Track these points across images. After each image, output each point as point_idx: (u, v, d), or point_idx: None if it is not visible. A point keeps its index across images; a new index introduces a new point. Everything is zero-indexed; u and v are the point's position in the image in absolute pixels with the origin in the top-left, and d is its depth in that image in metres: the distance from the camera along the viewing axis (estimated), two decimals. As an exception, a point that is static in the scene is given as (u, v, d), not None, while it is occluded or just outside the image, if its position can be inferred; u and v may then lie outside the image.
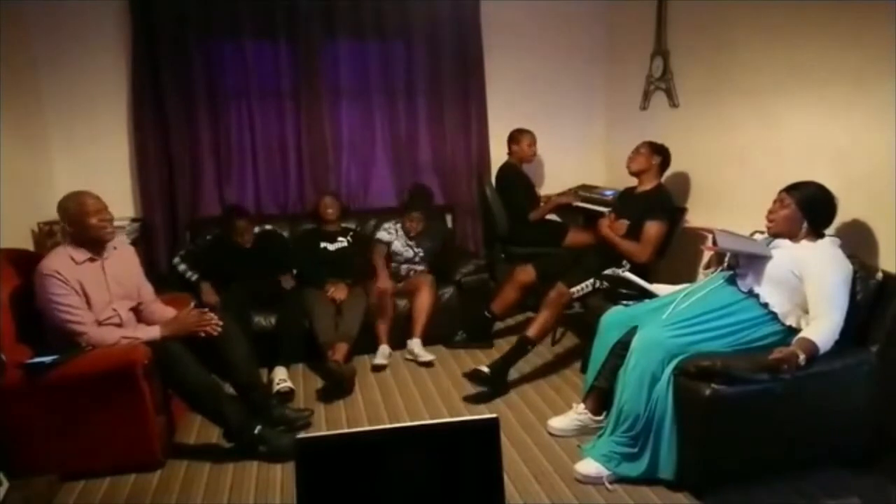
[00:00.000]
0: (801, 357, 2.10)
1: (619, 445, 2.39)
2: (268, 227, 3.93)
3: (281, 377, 3.20)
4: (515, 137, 4.26)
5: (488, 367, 3.13)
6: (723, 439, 2.24)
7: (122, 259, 2.72)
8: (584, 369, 3.12)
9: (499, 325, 3.90)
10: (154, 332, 2.58)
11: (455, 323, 3.79)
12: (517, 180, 4.25)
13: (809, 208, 2.44)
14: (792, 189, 2.48)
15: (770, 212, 2.53)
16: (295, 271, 3.74)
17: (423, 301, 3.69)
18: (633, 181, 3.55)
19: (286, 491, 2.41)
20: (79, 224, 2.52)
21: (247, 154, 4.12)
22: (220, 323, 2.69)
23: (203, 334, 2.64)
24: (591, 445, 2.53)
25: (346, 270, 3.73)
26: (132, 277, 2.76)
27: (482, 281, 3.91)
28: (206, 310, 2.74)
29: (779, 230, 2.50)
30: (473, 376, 3.10)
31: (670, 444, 2.28)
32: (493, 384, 3.11)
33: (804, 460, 2.39)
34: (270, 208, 4.18)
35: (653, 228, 3.31)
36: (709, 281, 2.64)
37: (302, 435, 1.51)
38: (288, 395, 3.13)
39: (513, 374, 3.25)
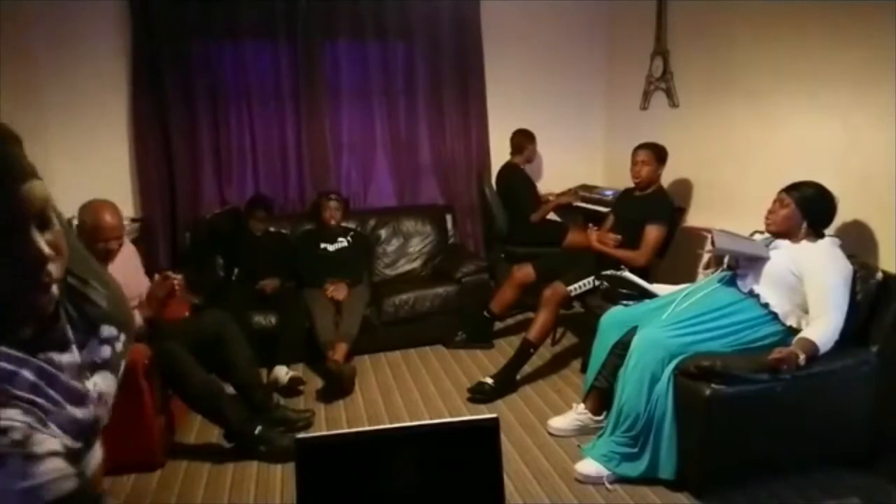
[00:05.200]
0: (801, 357, 2.11)
1: (619, 445, 2.39)
2: (283, 230, 3.94)
3: (284, 372, 3.21)
4: (530, 138, 4.26)
5: (492, 378, 3.13)
6: (723, 439, 2.24)
7: (125, 260, 2.71)
8: (584, 369, 3.12)
9: (498, 325, 3.90)
10: (136, 319, 2.56)
11: (455, 323, 3.79)
12: (522, 181, 4.25)
13: (809, 208, 2.44)
14: (791, 189, 2.48)
15: (770, 212, 2.53)
16: (279, 281, 3.68)
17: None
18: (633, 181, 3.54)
19: (286, 491, 2.41)
20: (87, 238, 2.47)
21: (247, 154, 4.12)
22: (177, 277, 2.62)
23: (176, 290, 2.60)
24: (591, 445, 2.53)
25: (346, 270, 3.73)
26: (134, 277, 2.75)
27: (482, 281, 3.91)
28: (169, 273, 2.65)
29: (778, 230, 2.50)
30: (477, 390, 3.09)
31: (670, 444, 2.28)
32: (498, 395, 3.11)
33: (804, 460, 2.40)
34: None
35: (653, 232, 3.30)
36: (709, 281, 2.64)
37: (302, 435, 1.51)
38: (298, 381, 3.18)
39: (513, 374, 3.24)
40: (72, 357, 0.76)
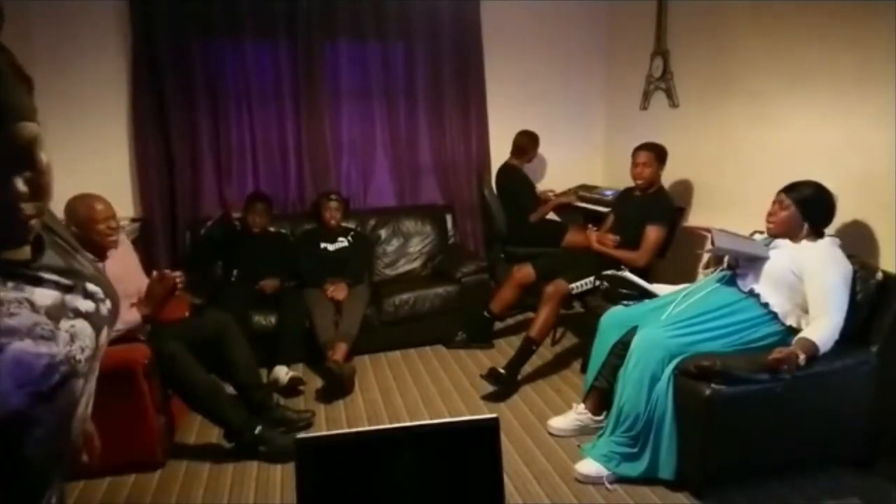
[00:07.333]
0: (801, 357, 2.11)
1: (619, 445, 2.39)
2: (283, 230, 3.94)
3: (284, 372, 3.21)
4: (534, 140, 4.26)
5: (504, 368, 3.14)
6: (723, 439, 2.24)
7: (121, 257, 2.71)
8: (584, 369, 3.12)
9: (498, 325, 3.90)
10: (134, 316, 2.55)
11: (455, 323, 3.79)
12: (521, 182, 4.26)
13: (809, 208, 2.44)
14: (790, 190, 2.48)
15: (770, 214, 2.53)
16: (279, 281, 3.66)
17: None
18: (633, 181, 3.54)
19: (286, 491, 2.41)
20: (85, 228, 2.47)
21: (247, 154, 4.12)
22: (177, 274, 2.62)
23: (177, 291, 2.60)
24: (591, 445, 2.53)
25: (347, 270, 3.73)
26: (131, 275, 2.75)
27: (482, 281, 3.91)
28: (167, 272, 2.64)
29: (780, 232, 2.50)
30: (491, 376, 3.10)
31: (670, 444, 2.28)
32: (508, 384, 3.12)
33: (804, 460, 2.40)
34: (271, 208, 4.18)
35: (653, 233, 3.29)
36: (708, 281, 2.64)
37: (302, 435, 1.51)
38: (298, 381, 3.18)
39: (514, 374, 3.25)
40: (46, 294, 0.78)
